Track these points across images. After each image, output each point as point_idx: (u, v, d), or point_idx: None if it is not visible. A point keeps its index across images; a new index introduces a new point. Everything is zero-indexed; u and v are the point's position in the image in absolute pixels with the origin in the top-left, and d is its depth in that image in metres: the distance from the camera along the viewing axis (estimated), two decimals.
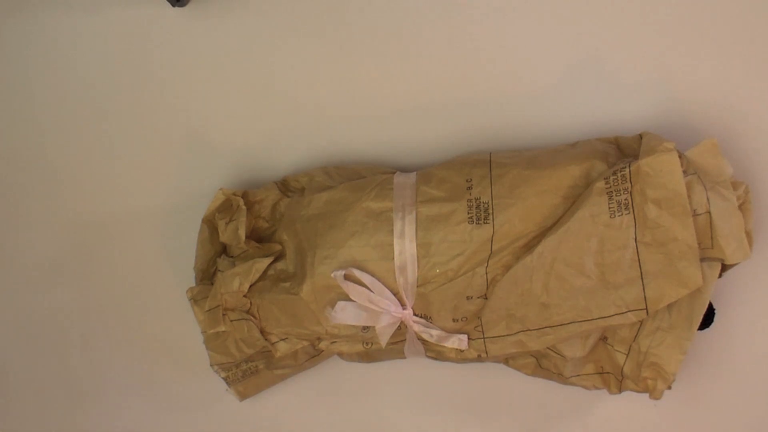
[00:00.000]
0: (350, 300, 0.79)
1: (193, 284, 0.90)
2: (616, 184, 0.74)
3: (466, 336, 0.80)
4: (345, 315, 0.80)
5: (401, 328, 0.82)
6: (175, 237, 0.96)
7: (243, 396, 0.90)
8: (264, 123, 0.94)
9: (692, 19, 0.83)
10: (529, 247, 0.77)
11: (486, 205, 0.78)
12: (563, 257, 0.75)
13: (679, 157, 0.74)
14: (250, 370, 0.88)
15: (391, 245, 0.78)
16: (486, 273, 0.77)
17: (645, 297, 0.74)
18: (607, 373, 0.81)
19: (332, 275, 0.79)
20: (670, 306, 0.76)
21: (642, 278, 0.74)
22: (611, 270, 0.75)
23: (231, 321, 0.84)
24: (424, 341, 0.82)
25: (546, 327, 0.77)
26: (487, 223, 0.77)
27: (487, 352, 0.80)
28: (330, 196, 0.83)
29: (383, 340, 0.81)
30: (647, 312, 0.74)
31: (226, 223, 0.87)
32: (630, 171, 0.74)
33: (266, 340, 0.84)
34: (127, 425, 1.01)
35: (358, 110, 0.91)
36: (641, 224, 0.74)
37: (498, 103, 0.88)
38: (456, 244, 0.77)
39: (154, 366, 1.00)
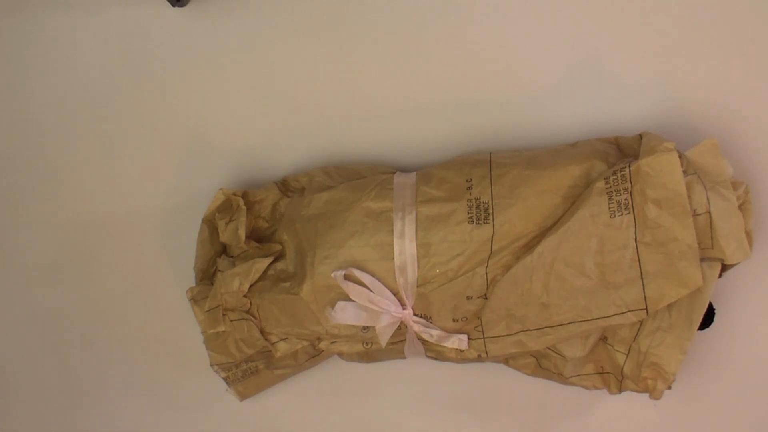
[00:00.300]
0: (350, 300, 0.79)
1: (193, 284, 0.90)
2: (616, 184, 0.74)
3: (466, 336, 0.80)
4: (345, 315, 0.80)
5: (401, 328, 0.82)
6: (175, 237, 0.96)
7: (243, 396, 0.90)
8: (264, 123, 0.94)
9: (692, 19, 0.83)
10: (529, 247, 0.77)
11: (486, 205, 0.78)
12: (563, 257, 0.75)
13: (679, 157, 0.74)
14: (250, 370, 0.88)
15: (391, 245, 0.78)
16: (486, 273, 0.77)
17: (645, 297, 0.74)
18: (607, 373, 0.81)
19: (332, 275, 0.79)
20: (670, 306, 0.76)
21: (642, 278, 0.74)
22: (611, 270, 0.75)
23: (231, 321, 0.84)
24: (424, 341, 0.82)
25: (546, 327, 0.77)
26: (487, 223, 0.77)
27: (487, 352, 0.80)
28: (330, 196, 0.83)
29: (383, 340, 0.81)
30: (647, 312, 0.74)
31: (226, 223, 0.87)
32: (630, 171, 0.74)
33: (266, 340, 0.84)
34: (127, 425, 1.01)
35: (358, 110, 0.91)
36: (641, 224, 0.74)
37: (498, 103, 0.88)
38: (456, 244, 0.77)
39: (154, 366, 1.00)
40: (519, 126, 0.88)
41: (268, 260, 0.83)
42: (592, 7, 0.85)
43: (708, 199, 0.73)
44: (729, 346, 0.87)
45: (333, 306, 0.80)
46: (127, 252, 0.98)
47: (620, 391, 0.81)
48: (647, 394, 0.79)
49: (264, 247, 0.86)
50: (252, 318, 0.83)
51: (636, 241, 0.74)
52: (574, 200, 0.77)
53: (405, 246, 0.78)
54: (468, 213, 0.78)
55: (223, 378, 0.88)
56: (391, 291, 0.79)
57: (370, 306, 0.79)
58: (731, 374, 0.87)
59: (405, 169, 0.89)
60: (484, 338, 0.80)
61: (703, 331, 0.79)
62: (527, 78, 0.87)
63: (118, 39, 0.94)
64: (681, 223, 0.72)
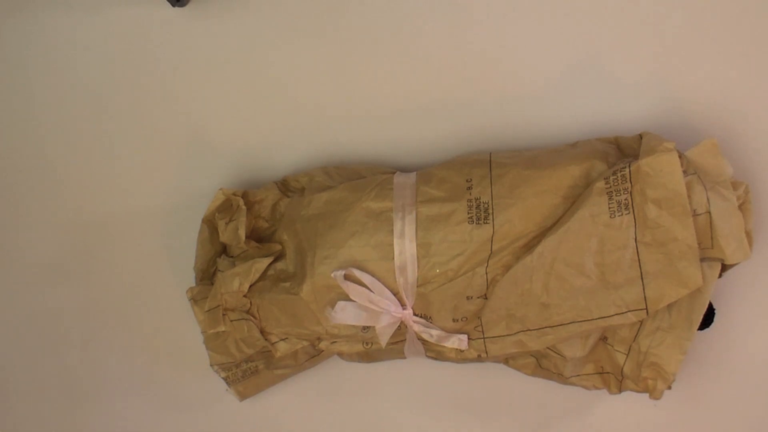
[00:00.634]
0: (350, 300, 0.79)
1: (193, 284, 0.90)
2: (616, 184, 0.74)
3: (466, 336, 0.80)
4: (345, 315, 0.80)
5: (401, 328, 0.82)
6: (175, 237, 0.96)
7: (243, 396, 0.90)
8: (264, 123, 0.94)
9: (692, 19, 0.84)
10: (529, 247, 0.77)
11: (486, 205, 0.78)
12: (563, 257, 0.75)
13: (679, 157, 0.74)
14: (250, 370, 0.88)
15: (391, 245, 0.78)
16: (486, 273, 0.77)
17: (645, 297, 0.74)
18: (607, 373, 0.81)
19: (332, 275, 0.79)
20: (670, 306, 0.76)
21: (642, 278, 0.74)
22: (611, 270, 0.75)
23: (231, 321, 0.84)
24: (424, 341, 0.82)
25: (546, 327, 0.77)
26: (487, 223, 0.77)
27: (487, 352, 0.80)
28: (330, 196, 0.83)
29: (383, 340, 0.81)
30: (647, 312, 0.74)
31: (226, 223, 0.87)
32: (630, 171, 0.74)
33: (266, 340, 0.84)
34: (127, 425, 1.01)
35: (358, 110, 0.91)
36: (641, 224, 0.74)
37: (498, 103, 0.88)
38: (456, 244, 0.77)
39: (154, 366, 1.00)
40: (519, 126, 0.88)
41: (268, 260, 0.83)
42: (592, 7, 0.85)
43: (708, 199, 0.73)
44: (729, 346, 0.87)
45: (333, 306, 0.80)
46: (127, 252, 0.98)
47: (620, 391, 0.81)
48: (647, 394, 0.79)
49: (264, 247, 0.86)
50: (252, 318, 0.83)
51: (636, 241, 0.74)
52: (574, 200, 0.77)
53: (405, 246, 0.78)
54: (468, 213, 0.78)
55: (223, 378, 0.88)
56: (391, 291, 0.79)
57: (370, 306, 0.79)
58: (731, 374, 0.87)
59: (405, 169, 0.89)
60: (484, 338, 0.80)
61: (703, 331, 0.79)
62: (527, 78, 0.87)
63: (118, 39, 0.94)
64: (681, 223, 0.72)
